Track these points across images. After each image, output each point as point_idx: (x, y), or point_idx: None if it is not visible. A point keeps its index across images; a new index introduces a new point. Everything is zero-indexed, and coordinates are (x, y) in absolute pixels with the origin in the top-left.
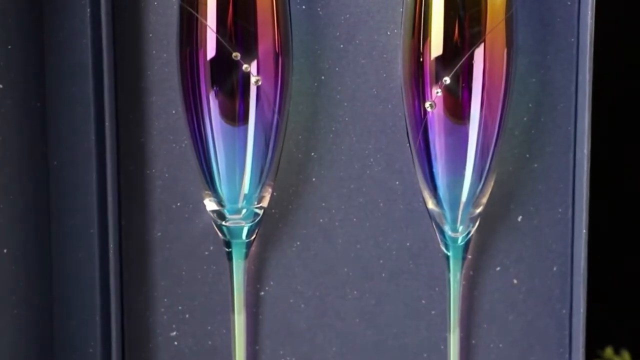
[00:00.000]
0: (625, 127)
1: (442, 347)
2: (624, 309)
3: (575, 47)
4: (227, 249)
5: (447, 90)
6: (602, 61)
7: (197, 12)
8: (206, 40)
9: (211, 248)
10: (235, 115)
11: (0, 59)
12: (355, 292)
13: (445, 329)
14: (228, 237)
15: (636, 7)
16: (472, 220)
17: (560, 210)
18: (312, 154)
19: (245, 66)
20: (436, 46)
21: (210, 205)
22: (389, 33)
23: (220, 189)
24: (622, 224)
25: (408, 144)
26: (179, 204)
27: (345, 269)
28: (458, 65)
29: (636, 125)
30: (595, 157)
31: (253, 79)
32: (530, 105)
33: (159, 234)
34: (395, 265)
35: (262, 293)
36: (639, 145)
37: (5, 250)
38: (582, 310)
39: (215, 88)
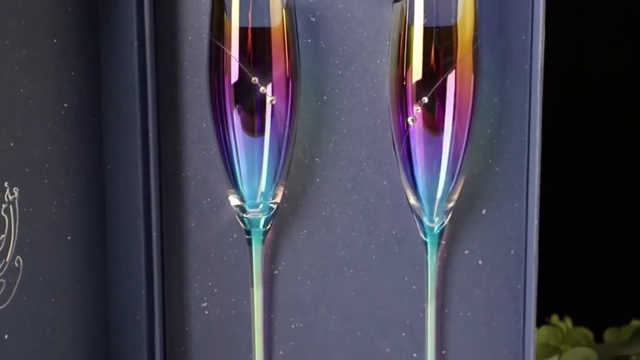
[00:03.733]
0: (570, 137)
1: (421, 315)
2: (567, 284)
3: (528, 73)
4: (247, 237)
5: (425, 108)
6: (551, 83)
7: (223, 44)
8: (230, 68)
9: (235, 235)
10: (254, 128)
11: (66, 84)
12: (351, 271)
13: (424, 300)
14: (248, 226)
15: (577, 38)
16: (446, 212)
17: (516, 204)
18: (316, 159)
19: (262, 88)
20: (416, 72)
21: (233, 200)
22: (378, 62)
23: (242, 187)
24: (571, 216)
25: (394, 151)
26: (208, 199)
27: (343, 252)
28: (434, 88)
29: (581, 133)
30: (546, 161)
31: (268, 99)
32: (492, 120)
33: (193, 224)
34: (384, 250)
35: (276, 272)
36: (583, 148)
37: (69, 237)
38: (534, 285)
39: (237, 106)
